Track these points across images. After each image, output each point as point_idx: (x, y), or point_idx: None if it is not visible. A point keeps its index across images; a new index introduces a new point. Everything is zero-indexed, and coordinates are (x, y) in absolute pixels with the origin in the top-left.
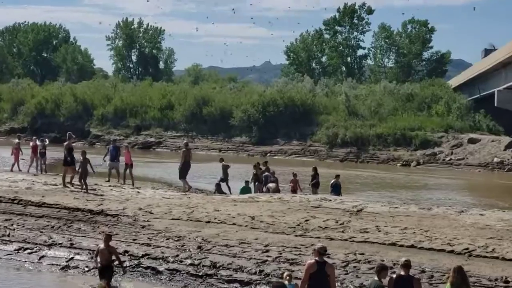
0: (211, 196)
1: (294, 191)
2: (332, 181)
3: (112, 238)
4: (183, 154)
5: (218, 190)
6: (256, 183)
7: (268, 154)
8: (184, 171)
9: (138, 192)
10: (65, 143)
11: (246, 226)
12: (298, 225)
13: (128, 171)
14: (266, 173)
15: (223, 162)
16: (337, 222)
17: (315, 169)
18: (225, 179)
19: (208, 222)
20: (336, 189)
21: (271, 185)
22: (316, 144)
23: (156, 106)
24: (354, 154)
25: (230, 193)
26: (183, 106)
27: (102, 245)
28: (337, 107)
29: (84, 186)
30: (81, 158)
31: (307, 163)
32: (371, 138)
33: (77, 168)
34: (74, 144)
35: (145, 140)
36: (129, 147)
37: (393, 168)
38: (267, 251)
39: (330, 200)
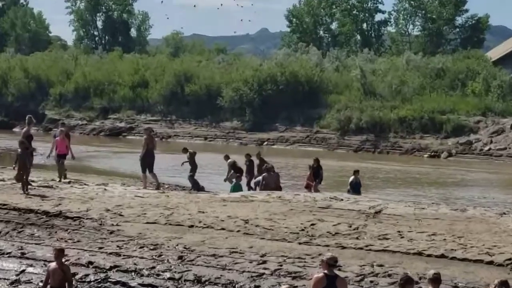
0: (195, 195)
1: (308, 186)
2: (351, 178)
3: (74, 246)
4: (145, 142)
5: (195, 186)
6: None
7: (265, 143)
8: (146, 163)
9: (105, 189)
10: (24, 130)
11: (238, 231)
12: (303, 230)
13: (60, 161)
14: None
15: (230, 160)
16: (350, 226)
17: (317, 161)
18: (228, 178)
19: (192, 226)
20: (356, 188)
21: (259, 178)
22: (324, 130)
23: (127, 83)
24: (371, 143)
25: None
26: (160, 83)
27: (53, 264)
28: (350, 85)
29: (24, 186)
30: (19, 149)
31: (313, 154)
32: (392, 123)
33: (14, 164)
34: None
35: (113, 125)
36: (67, 131)
37: (419, 160)
38: (264, 262)
39: (342, 200)
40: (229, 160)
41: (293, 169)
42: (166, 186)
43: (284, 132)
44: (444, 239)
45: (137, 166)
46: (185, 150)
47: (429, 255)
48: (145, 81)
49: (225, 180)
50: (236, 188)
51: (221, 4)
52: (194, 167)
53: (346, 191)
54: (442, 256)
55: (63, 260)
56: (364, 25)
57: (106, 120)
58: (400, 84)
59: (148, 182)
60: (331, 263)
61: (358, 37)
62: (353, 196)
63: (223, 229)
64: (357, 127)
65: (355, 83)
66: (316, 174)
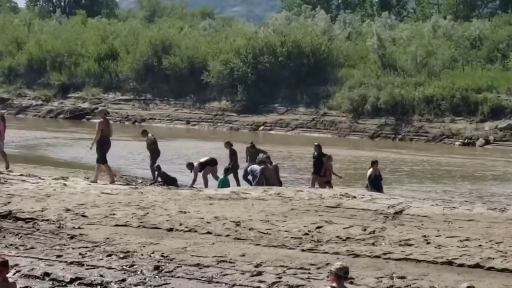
0: (175, 191)
1: (328, 181)
2: (369, 171)
3: (26, 255)
4: (98, 127)
5: (165, 178)
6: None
7: (261, 128)
8: (102, 152)
9: (65, 184)
10: None
11: (228, 235)
12: (307, 234)
13: None
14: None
15: (232, 147)
16: (364, 230)
17: (319, 148)
18: (233, 168)
19: (171, 230)
20: (376, 183)
21: (255, 166)
22: (333, 112)
23: (91, 54)
24: (391, 127)
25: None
26: (132, 54)
27: None
28: (366, 57)
29: None
30: None
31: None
32: (416, 104)
33: None
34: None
35: (75, 106)
36: (4, 113)
37: (449, 149)
38: (259, 273)
39: (355, 197)
40: (231, 147)
41: (296, 160)
42: (140, 181)
43: (284, 114)
44: (480, 245)
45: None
46: (144, 133)
47: (461, 265)
48: (114, 51)
49: (228, 170)
50: (224, 183)
51: None
52: (154, 154)
53: (364, 187)
54: (477, 266)
55: (10, 273)
56: None
57: (66, 99)
58: (427, 56)
59: (105, 174)
60: (341, 275)
61: None
62: (371, 193)
63: (209, 233)
64: (373, 108)
65: (372, 55)
66: (317, 165)
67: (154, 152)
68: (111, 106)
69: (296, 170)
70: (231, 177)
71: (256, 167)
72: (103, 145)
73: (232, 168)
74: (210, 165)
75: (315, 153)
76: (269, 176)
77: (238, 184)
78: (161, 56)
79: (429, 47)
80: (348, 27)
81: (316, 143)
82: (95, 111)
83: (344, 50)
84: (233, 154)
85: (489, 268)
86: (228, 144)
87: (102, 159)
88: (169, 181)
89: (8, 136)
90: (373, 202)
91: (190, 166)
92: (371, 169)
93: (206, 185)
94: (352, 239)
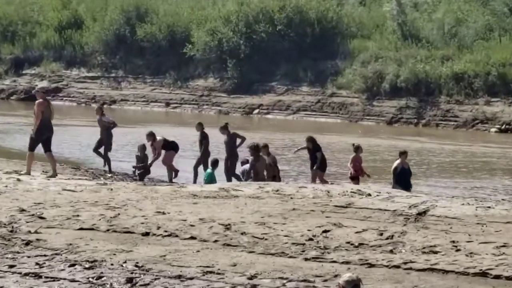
0: (152, 187)
1: (356, 177)
2: (396, 163)
3: None
4: (38, 109)
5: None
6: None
7: (257, 111)
8: (44, 139)
9: (18, 180)
10: None
11: (216, 241)
12: (311, 239)
13: None
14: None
15: (233, 131)
16: (381, 234)
17: (312, 141)
18: (203, 156)
19: (147, 234)
20: (404, 178)
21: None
22: (343, 92)
23: (51, 23)
24: (414, 110)
25: (241, 180)
26: (100, 23)
27: None
28: (383, 25)
29: None
30: None
31: (326, 127)
32: (443, 82)
33: None
34: None
35: (30, 85)
36: None
37: (483, 137)
38: (254, 287)
39: (369, 195)
40: (231, 132)
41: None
42: (109, 175)
43: (284, 94)
44: None
45: (65, 145)
46: (99, 110)
47: (497, 277)
48: (78, 19)
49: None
50: (212, 177)
51: None
52: (106, 140)
53: (388, 183)
54: None
55: None
56: None
57: (20, 77)
58: (456, 24)
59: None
60: None
61: None
62: (396, 190)
63: (193, 238)
64: (392, 87)
65: (390, 23)
66: (312, 158)
67: (106, 136)
68: (75, 85)
69: (302, 162)
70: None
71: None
72: (41, 131)
73: (203, 155)
74: (175, 149)
75: (309, 147)
76: (259, 170)
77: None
78: (135, 25)
79: (459, 13)
80: None
81: (307, 137)
82: (72, 89)
83: (357, 17)
84: (204, 138)
85: None
86: (200, 126)
87: (32, 146)
88: (110, 169)
89: None
90: (392, 201)
91: (151, 136)
92: (398, 161)
93: (176, 173)
94: (366, 246)
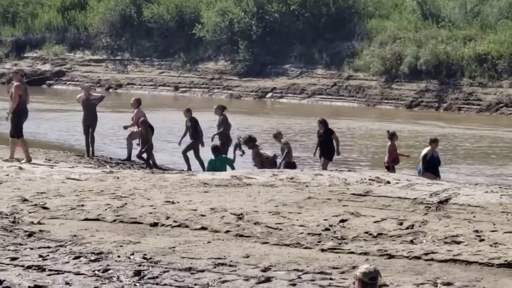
0: (160, 175)
1: (391, 166)
2: (426, 150)
3: None
4: (15, 91)
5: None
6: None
7: (270, 95)
8: (19, 124)
9: (20, 168)
10: None
11: (228, 231)
12: (327, 229)
13: None
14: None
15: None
16: (401, 224)
17: (324, 124)
18: (194, 143)
19: (155, 225)
20: (433, 165)
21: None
22: (360, 75)
23: (54, 3)
24: (435, 94)
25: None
26: (105, 3)
27: None
28: (401, 4)
29: None
30: None
31: (343, 112)
32: (466, 64)
33: None
34: None
35: (32, 68)
36: None
37: (508, 121)
38: (268, 279)
39: (388, 183)
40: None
41: (314, 136)
42: (115, 163)
43: (298, 78)
44: None
45: (69, 132)
46: (86, 91)
47: None
48: None
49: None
50: (215, 165)
51: None
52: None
53: (417, 171)
54: None
55: None
56: None
57: (22, 60)
58: (479, 3)
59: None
60: (369, 281)
61: None
62: (417, 177)
63: (203, 228)
64: (411, 69)
65: (409, 2)
66: (324, 144)
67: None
68: (79, 68)
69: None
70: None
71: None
72: (20, 115)
73: (194, 142)
74: (151, 128)
75: (321, 131)
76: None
77: (189, 167)
78: (142, 5)
79: None
80: None
81: (319, 119)
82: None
83: None
84: (194, 126)
85: None
86: (188, 113)
87: (17, 132)
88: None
89: None
90: (412, 189)
91: (137, 102)
92: (428, 148)
93: (129, 153)
94: (385, 236)
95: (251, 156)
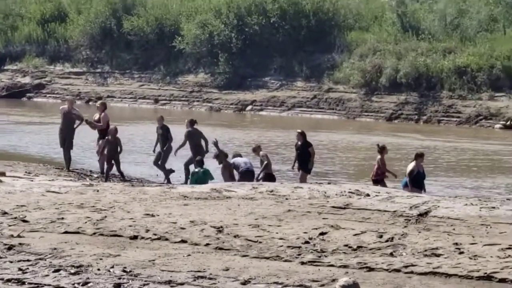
0: (140, 188)
1: (380, 180)
2: (411, 165)
3: None
4: None
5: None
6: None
7: (249, 108)
8: None
9: (0, 181)
10: None
11: (208, 244)
12: (307, 242)
13: None
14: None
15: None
16: (380, 236)
17: (303, 136)
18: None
19: (135, 238)
20: (419, 181)
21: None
22: (340, 87)
23: (34, 15)
24: (414, 106)
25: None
26: (85, 15)
27: None
28: (381, 17)
29: None
30: None
31: (323, 124)
32: (445, 76)
33: None
34: None
35: (13, 81)
36: None
37: (488, 133)
38: None
39: (368, 195)
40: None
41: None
42: (95, 176)
43: (278, 90)
44: None
45: (49, 145)
46: (70, 103)
47: (502, 280)
48: (62, 11)
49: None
50: (198, 178)
51: None
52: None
53: (402, 185)
54: None
55: None
56: None
57: (2, 73)
58: (458, 15)
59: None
60: None
61: None
62: (411, 193)
63: (183, 241)
64: (391, 82)
65: (389, 14)
66: (302, 156)
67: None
68: (59, 81)
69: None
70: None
71: (239, 161)
72: None
73: (165, 151)
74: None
75: (299, 142)
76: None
77: (168, 180)
78: (122, 18)
79: (462, 4)
80: None
81: (299, 130)
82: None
83: (354, 8)
84: (168, 132)
85: None
86: (161, 120)
87: None
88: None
89: None
90: (391, 202)
91: (103, 106)
92: (413, 163)
93: (103, 166)
94: (365, 249)
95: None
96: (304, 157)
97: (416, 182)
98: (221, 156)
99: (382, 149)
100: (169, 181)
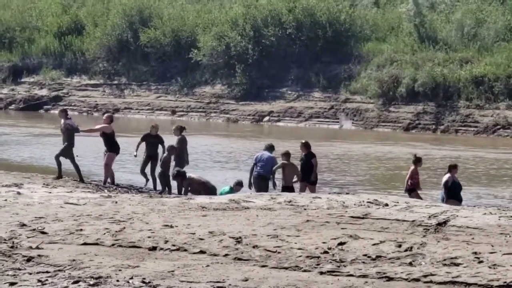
0: (159, 199)
1: (413, 189)
2: (446, 176)
3: None
4: None
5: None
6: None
7: (267, 118)
8: None
9: (18, 193)
10: None
11: (227, 255)
12: (326, 252)
13: None
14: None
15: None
16: (399, 246)
17: (306, 147)
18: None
19: (154, 249)
20: (455, 191)
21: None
22: (357, 98)
23: (50, 28)
24: (431, 116)
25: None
26: (102, 28)
27: None
28: (398, 27)
29: None
30: None
31: (339, 134)
32: (463, 86)
33: None
34: None
35: (30, 93)
36: None
37: (506, 143)
38: None
39: (386, 205)
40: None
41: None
42: (114, 188)
43: (295, 101)
44: None
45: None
46: (63, 113)
47: None
48: (79, 24)
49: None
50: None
51: None
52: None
53: (439, 198)
54: None
55: None
56: None
57: (19, 85)
58: (475, 25)
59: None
60: None
61: None
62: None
63: (202, 252)
64: (408, 92)
65: (406, 24)
66: (305, 168)
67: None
68: (76, 93)
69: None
70: None
71: (265, 155)
72: None
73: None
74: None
75: (303, 154)
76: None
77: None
78: (138, 30)
79: (479, 14)
80: None
81: (303, 141)
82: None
83: (371, 18)
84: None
85: None
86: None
87: None
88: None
89: None
90: (410, 211)
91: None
92: (448, 175)
93: (107, 177)
94: (384, 258)
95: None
96: (307, 168)
97: (453, 193)
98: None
99: (417, 161)
100: (155, 188)
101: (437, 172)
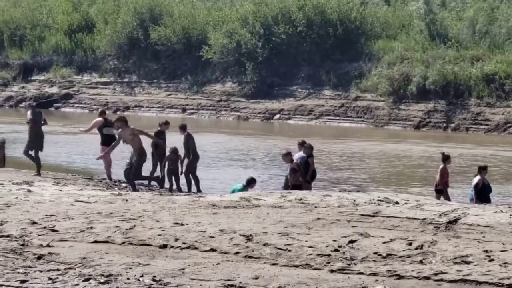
0: (169, 197)
1: (441, 190)
2: (476, 178)
3: None
4: None
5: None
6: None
7: (277, 116)
8: None
9: (29, 191)
10: None
11: (237, 253)
12: (337, 250)
13: None
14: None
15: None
16: (410, 244)
17: (309, 148)
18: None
19: (164, 246)
20: (485, 193)
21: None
22: (368, 96)
23: (61, 26)
24: (442, 114)
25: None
26: (112, 26)
27: None
28: (409, 25)
29: None
30: None
31: (350, 132)
32: (474, 84)
33: None
34: None
35: (40, 91)
36: None
37: None
38: None
39: (397, 203)
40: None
41: (327, 157)
42: (124, 185)
43: (305, 99)
44: None
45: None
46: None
47: None
48: (90, 22)
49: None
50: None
51: None
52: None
53: (469, 199)
54: None
55: None
56: None
57: (29, 83)
58: (487, 23)
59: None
60: None
61: None
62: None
63: (213, 250)
64: (419, 90)
65: (417, 22)
66: (307, 169)
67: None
68: (86, 91)
69: (325, 170)
70: None
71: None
72: None
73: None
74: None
75: (305, 153)
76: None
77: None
78: (149, 27)
79: (490, 11)
80: None
81: (299, 141)
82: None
83: (381, 16)
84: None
85: None
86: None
87: None
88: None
89: None
90: (421, 209)
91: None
92: (478, 177)
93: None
94: (395, 256)
95: None
96: (304, 167)
97: (482, 195)
98: None
99: (446, 158)
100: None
101: (428, 166)
